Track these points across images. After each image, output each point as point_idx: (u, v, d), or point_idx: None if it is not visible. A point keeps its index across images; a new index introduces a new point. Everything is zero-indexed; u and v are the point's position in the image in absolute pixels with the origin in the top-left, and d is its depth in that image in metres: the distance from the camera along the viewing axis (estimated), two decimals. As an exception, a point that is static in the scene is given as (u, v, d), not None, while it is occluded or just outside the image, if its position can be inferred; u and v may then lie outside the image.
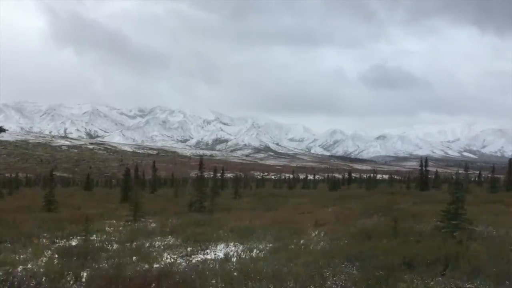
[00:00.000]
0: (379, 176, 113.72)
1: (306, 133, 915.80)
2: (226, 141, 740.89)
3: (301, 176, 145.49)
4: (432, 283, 8.52)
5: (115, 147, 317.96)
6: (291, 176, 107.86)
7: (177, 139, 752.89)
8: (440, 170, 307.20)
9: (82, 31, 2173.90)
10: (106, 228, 17.62)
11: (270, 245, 13.05)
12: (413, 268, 9.46)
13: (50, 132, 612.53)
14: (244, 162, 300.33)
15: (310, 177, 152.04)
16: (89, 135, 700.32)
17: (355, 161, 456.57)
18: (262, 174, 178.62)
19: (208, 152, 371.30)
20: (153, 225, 19.09)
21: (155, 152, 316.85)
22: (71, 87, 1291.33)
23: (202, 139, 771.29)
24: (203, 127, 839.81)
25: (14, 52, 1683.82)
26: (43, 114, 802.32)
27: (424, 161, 56.82)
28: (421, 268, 9.40)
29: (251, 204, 31.48)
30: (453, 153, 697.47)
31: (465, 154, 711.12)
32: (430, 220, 17.12)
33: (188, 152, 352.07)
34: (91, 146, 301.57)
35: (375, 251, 10.62)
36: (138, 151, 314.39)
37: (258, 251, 12.16)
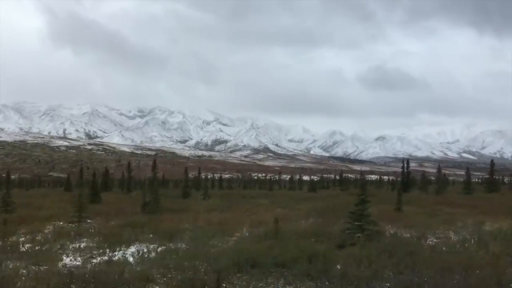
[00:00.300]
0: (374, 177, 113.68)
1: (306, 134, 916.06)
2: (225, 141, 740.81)
3: (301, 177, 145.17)
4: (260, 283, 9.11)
5: (113, 147, 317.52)
6: (278, 177, 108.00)
7: (176, 139, 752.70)
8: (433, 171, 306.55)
9: (80, 31, 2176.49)
10: (45, 230, 17.97)
11: (163, 247, 13.66)
12: (253, 268, 10.00)
13: (49, 133, 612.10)
14: (243, 163, 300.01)
15: (307, 178, 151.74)
16: (88, 135, 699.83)
17: (354, 162, 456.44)
18: (260, 175, 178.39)
19: (207, 153, 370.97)
20: (95, 225, 19.73)
21: (153, 152, 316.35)
22: (71, 87, 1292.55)
23: (201, 139, 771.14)
24: (202, 128, 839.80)
25: (13, 52, 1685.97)
26: (42, 115, 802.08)
27: (406, 162, 56.83)
28: (259, 269, 9.96)
29: (213, 205, 32.12)
30: (452, 154, 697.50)
31: (464, 155, 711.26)
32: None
33: (187, 153, 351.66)
34: (89, 147, 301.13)
35: (251, 252, 11.16)
36: (137, 151, 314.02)
37: (149, 253, 12.70)
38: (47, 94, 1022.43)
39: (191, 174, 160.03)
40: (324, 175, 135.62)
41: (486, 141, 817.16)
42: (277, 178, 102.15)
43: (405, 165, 56.29)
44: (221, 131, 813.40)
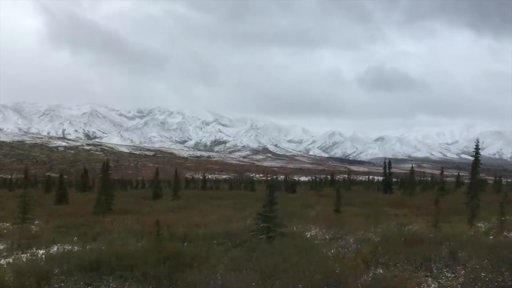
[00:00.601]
0: (368, 178, 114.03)
1: (305, 134, 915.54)
2: (224, 142, 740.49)
3: (300, 178, 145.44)
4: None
5: (112, 148, 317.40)
6: (271, 177, 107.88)
7: (175, 140, 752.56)
8: (436, 172, 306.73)
9: (79, 31, 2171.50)
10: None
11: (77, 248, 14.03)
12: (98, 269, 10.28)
13: (48, 133, 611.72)
14: (241, 163, 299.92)
15: (305, 178, 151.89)
16: (88, 136, 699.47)
17: (353, 162, 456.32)
18: (257, 175, 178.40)
19: (205, 154, 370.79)
20: (33, 227, 20.25)
21: (152, 153, 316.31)
22: (70, 88, 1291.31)
23: (200, 140, 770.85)
24: (201, 129, 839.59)
25: (12, 53, 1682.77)
26: (41, 115, 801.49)
27: (388, 163, 56.72)
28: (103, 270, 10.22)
29: (173, 206, 33.07)
30: (451, 155, 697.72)
31: (463, 156, 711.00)
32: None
33: (185, 153, 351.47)
34: (88, 147, 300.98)
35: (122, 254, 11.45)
36: (135, 152, 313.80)
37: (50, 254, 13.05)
38: (47, 94, 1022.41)
39: (188, 175, 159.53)
40: (321, 176, 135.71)
41: (485, 142, 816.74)
42: (270, 179, 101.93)
43: (387, 166, 56.13)
44: (220, 131, 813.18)
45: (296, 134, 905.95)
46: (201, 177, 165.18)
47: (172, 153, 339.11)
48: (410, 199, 42.30)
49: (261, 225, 15.54)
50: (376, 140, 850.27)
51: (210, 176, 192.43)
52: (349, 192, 58.07)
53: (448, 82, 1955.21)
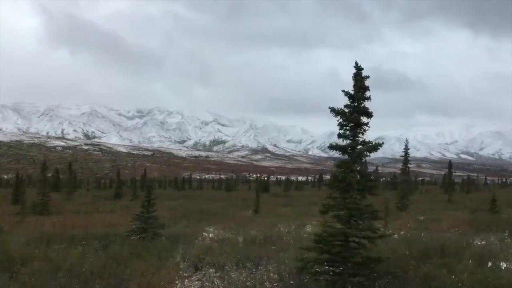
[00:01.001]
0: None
1: (305, 134, 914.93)
2: (223, 142, 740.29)
3: (298, 178, 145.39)
4: None
5: (110, 148, 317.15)
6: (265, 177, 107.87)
7: (174, 140, 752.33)
8: (435, 172, 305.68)
9: (78, 31, 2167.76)
10: None
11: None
12: None
13: (47, 133, 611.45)
14: (239, 163, 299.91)
15: (303, 178, 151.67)
16: (87, 136, 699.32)
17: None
18: (254, 175, 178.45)
19: (204, 153, 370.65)
20: None
21: (150, 153, 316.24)
22: (69, 88, 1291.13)
23: (199, 140, 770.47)
24: (201, 128, 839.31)
25: (11, 53, 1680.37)
26: (41, 115, 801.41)
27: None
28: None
29: (120, 206, 33.82)
30: (450, 155, 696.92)
31: (463, 156, 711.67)
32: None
33: (184, 153, 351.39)
34: (86, 147, 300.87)
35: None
36: (133, 152, 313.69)
37: None
38: (46, 94, 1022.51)
39: (185, 174, 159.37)
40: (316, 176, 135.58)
41: (484, 142, 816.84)
42: (266, 179, 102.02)
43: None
44: (219, 131, 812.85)
45: (295, 134, 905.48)
46: (197, 177, 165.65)
47: (170, 153, 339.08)
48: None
49: (137, 226, 15.79)
50: (376, 140, 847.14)
51: (207, 176, 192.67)
52: (319, 192, 59.25)
53: (447, 82, 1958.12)
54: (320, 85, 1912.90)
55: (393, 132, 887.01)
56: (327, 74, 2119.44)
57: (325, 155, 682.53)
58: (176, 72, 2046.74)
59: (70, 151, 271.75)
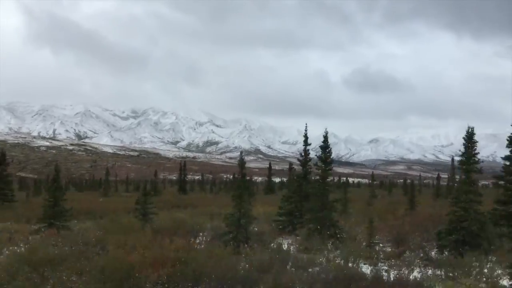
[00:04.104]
0: (352, 180, 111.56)
1: (301, 136, 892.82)
2: (216, 143, 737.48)
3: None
4: None
5: (96, 148, 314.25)
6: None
7: (168, 141, 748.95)
8: (429, 174, 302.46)
9: (62, 31, 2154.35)
10: None
11: None
12: None
13: (39, 133, 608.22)
14: (226, 164, 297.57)
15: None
16: (78, 136, 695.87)
17: (344, 164, 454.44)
18: (231, 176, 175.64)
19: (191, 154, 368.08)
20: None
21: (136, 153, 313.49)
22: (62, 88, 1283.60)
23: (193, 141, 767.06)
24: (195, 129, 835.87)
25: (2, 53, 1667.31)
26: (34, 115, 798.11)
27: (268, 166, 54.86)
28: None
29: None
30: (444, 158, 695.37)
31: (457, 158, 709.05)
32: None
33: (171, 154, 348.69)
34: (71, 147, 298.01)
35: None
36: (120, 152, 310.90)
37: None
38: (40, 94, 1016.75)
39: (162, 175, 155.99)
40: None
41: (480, 144, 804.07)
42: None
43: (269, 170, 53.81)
44: (213, 132, 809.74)
45: (291, 135, 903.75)
46: (174, 178, 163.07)
47: (157, 153, 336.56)
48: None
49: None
50: (370, 142, 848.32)
51: (188, 177, 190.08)
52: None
53: (435, 84, 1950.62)
54: (310, 86, 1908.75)
55: (389, 134, 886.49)
56: (316, 75, 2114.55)
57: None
58: (163, 72, 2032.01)
59: (54, 151, 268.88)
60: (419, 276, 11.80)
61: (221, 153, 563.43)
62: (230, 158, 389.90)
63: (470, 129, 12.35)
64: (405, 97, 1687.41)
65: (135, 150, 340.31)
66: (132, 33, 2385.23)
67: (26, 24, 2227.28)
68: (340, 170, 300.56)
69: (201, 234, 18.24)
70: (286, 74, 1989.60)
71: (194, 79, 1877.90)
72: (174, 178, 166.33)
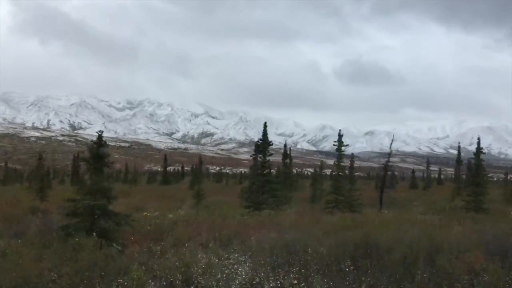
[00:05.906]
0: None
1: (297, 128, 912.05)
2: (211, 135, 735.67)
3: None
4: None
5: (87, 139, 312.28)
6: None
7: (163, 132, 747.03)
8: (422, 167, 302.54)
9: (50, 21, 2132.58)
10: None
11: None
12: None
13: (33, 124, 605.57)
14: (217, 156, 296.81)
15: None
16: (73, 127, 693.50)
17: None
18: (216, 168, 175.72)
19: (183, 146, 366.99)
20: None
21: (127, 144, 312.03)
22: (57, 78, 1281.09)
23: (188, 132, 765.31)
24: (190, 121, 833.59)
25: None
26: (29, 105, 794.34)
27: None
28: None
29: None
30: (439, 150, 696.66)
31: (451, 151, 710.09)
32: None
33: (163, 145, 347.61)
34: (61, 138, 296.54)
35: None
36: (111, 143, 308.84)
37: None
38: (35, 85, 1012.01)
39: (147, 167, 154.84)
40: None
41: (475, 137, 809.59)
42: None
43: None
44: (208, 124, 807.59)
45: (287, 127, 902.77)
46: (159, 169, 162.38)
47: (149, 145, 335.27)
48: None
49: None
50: (366, 134, 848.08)
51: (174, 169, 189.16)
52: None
53: (428, 76, 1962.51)
54: (303, 78, 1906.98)
55: (385, 126, 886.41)
56: (309, 66, 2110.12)
57: (314, 148, 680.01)
58: (155, 63, 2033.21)
59: (44, 142, 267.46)
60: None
61: (216, 145, 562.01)
62: (222, 150, 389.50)
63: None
64: (398, 89, 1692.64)
65: (127, 141, 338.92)
66: (122, 23, 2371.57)
67: (12, 14, 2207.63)
68: (330, 162, 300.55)
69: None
70: (279, 65, 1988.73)
71: (186, 70, 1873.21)
72: (160, 169, 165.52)
